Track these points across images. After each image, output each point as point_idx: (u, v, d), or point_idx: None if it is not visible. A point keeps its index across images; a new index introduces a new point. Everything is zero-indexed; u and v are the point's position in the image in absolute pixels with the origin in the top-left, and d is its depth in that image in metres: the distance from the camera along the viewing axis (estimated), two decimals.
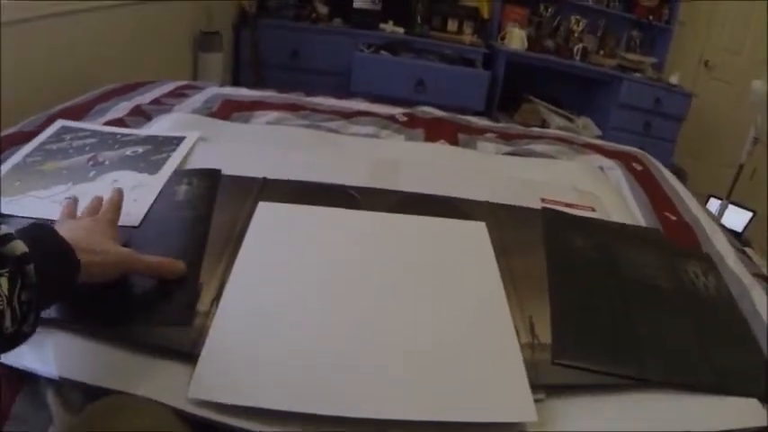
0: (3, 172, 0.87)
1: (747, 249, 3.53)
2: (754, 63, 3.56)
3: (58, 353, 0.53)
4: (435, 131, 1.34)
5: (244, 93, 1.46)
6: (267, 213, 0.77)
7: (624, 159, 1.34)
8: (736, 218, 3.26)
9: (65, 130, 1.03)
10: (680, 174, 3.64)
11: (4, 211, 0.76)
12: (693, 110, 3.43)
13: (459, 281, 0.70)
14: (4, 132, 1.04)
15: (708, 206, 3.25)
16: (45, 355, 0.52)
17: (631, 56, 3.50)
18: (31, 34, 1.51)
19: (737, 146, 2.79)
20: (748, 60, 3.72)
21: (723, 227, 1.10)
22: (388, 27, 3.31)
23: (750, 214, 3.29)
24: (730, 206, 3.05)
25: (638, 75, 3.38)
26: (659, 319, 0.69)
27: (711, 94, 3.78)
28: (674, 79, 3.40)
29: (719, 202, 3.01)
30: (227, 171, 0.86)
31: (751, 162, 3.07)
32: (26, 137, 1.00)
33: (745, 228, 3.31)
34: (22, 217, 0.74)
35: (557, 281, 0.72)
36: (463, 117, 1.57)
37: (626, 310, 0.69)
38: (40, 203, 0.78)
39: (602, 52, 3.57)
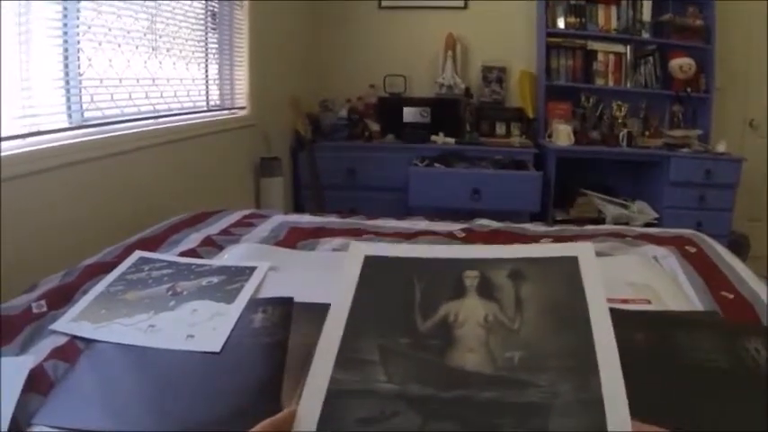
0: (89, 300, 1.01)
1: None
2: None
3: None
4: (493, 244, 1.43)
5: (307, 219, 1.60)
6: None
7: (677, 244, 1.42)
8: None
9: (143, 261, 1.18)
10: (741, 240, 3.63)
11: (94, 337, 0.89)
12: (746, 171, 3.45)
13: None
14: (87, 262, 1.20)
15: None
16: None
17: (676, 132, 3.62)
18: (104, 169, 1.74)
19: None
20: None
21: None
22: (439, 139, 3.54)
23: None
24: None
25: (685, 150, 3.47)
26: (721, 403, 0.72)
27: (760, 152, 3.81)
28: (721, 147, 3.47)
29: None
30: (298, 299, 0.96)
31: None
32: (106, 267, 1.15)
33: None
34: (111, 342, 0.87)
35: None
36: (519, 225, 1.68)
37: (685, 398, 0.72)
38: (125, 330, 0.91)
39: (647, 133, 3.71)
